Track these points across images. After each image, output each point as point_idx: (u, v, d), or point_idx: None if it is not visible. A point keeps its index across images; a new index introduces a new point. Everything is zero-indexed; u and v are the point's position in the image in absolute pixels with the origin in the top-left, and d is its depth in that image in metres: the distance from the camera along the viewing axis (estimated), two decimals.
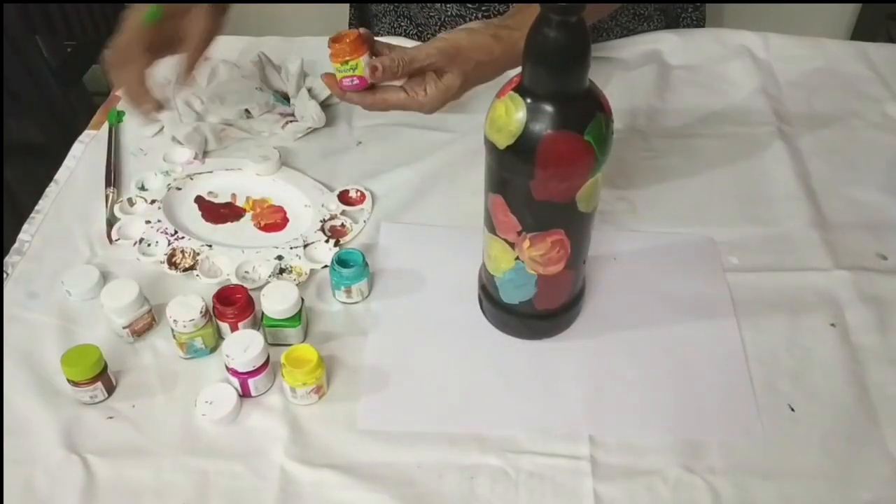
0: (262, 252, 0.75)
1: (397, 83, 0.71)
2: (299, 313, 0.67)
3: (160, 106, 0.74)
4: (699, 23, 1.08)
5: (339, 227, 0.78)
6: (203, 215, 0.80)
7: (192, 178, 0.83)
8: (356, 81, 0.70)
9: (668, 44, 1.01)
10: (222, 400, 0.63)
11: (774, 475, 0.60)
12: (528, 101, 0.54)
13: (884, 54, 1.02)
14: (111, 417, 0.63)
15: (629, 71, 0.98)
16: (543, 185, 0.56)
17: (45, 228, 0.78)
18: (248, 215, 0.80)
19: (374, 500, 0.58)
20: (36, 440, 0.61)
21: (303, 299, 0.67)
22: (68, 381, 0.62)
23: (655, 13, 1.04)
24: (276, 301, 0.66)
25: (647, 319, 0.70)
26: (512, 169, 0.57)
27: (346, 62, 0.69)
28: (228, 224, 0.79)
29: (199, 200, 0.82)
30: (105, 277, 0.72)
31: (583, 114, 0.54)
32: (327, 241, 0.76)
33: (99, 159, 0.86)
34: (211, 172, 0.84)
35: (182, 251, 0.75)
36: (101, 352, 0.63)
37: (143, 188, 0.82)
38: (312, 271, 0.74)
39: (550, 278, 0.63)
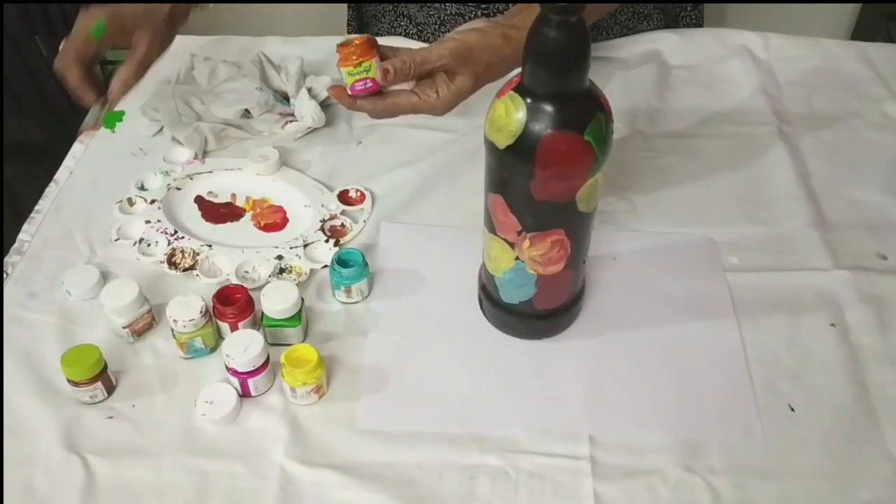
0: (262, 252, 0.75)
1: (406, 87, 0.70)
2: (299, 313, 0.67)
3: (107, 98, 0.77)
4: (698, 22, 1.09)
5: (338, 227, 0.78)
6: (203, 215, 0.80)
7: (191, 178, 0.83)
8: (369, 84, 0.68)
9: (668, 44, 1.01)
10: (222, 400, 0.63)
11: (774, 475, 0.60)
12: (528, 101, 0.54)
13: (884, 54, 1.02)
14: (111, 417, 0.63)
15: (629, 71, 0.98)
16: (543, 185, 0.56)
17: (45, 228, 0.78)
18: (248, 215, 0.80)
19: (374, 500, 0.58)
20: (36, 440, 0.61)
21: (303, 299, 0.67)
22: (68, 381, 0.62)
23: (655, 12, 1.04)
24: (276, 301, 0.66)
25: (647, 319, 0.70)
26: (512, 169, 0.57)
27: (360, 64, 0.67)
28: (228, 224, 0.79)
29: (199, 200, 0.82)
30: (105, 277, 0.72)
31: (583, 114, 0.54)
32: (327, 241, 0.76)
33: (99, 159, 0.86)
34: (211, 172, 0.84)
35: (182, 251, 0.75)
36: (101, 352, 0.63)
37: (142, 188, 0.82)
38: (312, 271, 0.74)
39: (550, 278, 0.63)
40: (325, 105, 0.90)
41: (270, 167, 0.83)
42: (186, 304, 0.65)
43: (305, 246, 0.76)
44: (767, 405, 0.64)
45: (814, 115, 0.93)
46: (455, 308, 0.71)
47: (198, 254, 0.75)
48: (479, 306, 0.71)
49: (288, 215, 0.80)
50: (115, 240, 0.76)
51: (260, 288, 0.68)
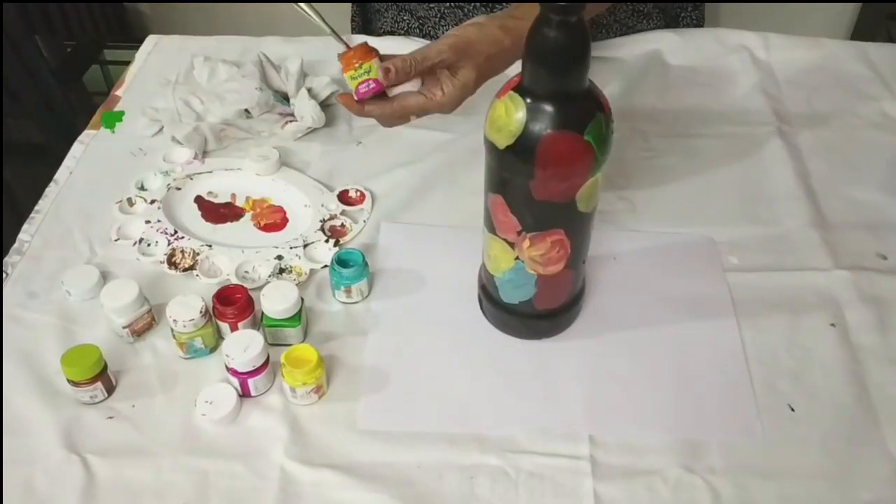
0: (261, 252, 0.75)
1: (413, 88, 0.71)
2: (299, 313, 0.67)
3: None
4: (698, 22, 1.09)
5: (338, 227, 0.78)
6: (203, 215, 0.80)
7: (191, 178, 0.83)
8: (372, 85, 0.69)
9: (668, 44, 1.01)
10: (222, 400, 0.63)
11: (774, 475, 0.60)
12: (528, 100, 0.54)
13: (884, 54, 1.02)
14: (111, 417, 0.63)
15: (629, 71, 0.98)
16: (543, 184, 0.56)
17: (44, 228, 0.78)
18: (248, 215, 0.80)
19: (374, 500, 0.58)
20: (36, 440, 0.61)
21: (303, 299, 0.67)
22: (68, 381, 0.62)
23: (654, 11, 1.05)
24: (276, 301, 0.66)
25: (647, 319, 0.70)
26: (512, 169, 0.57)
27: (360, 66, 0.68)
28: (228, 224, 0.79)
29: (199, 200, 0.82)
30: (105, 277, 0.72)
31: (583, 114, 0.54)
32: (327, 241, 0.76)
33: (99, 159, 0.86)
34: (211, 172, 0.84)
35: (182, 251, 0.75)
36: (101, 352, 0.63)
37: (142, 188, 0.82)
38: (312, 271, 0.74)
39: (550, 278, 0.63)
40: (325, 105, 0.90)
41: (270, 167, 0.83)
42: (186, 304, 0.65)
43: (305, 246, 0.76)
44: (767, 405, 0.64)
45: (813, 114, 0.93)
46: (455, 308, 0.71)
47: (198, 254, 0.75)
48: (479, 306, 0.71)
49: (288, 215, 0.80)
50: (115, 240, 0.76)
51: (260, 288, 0.68)
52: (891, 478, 0.60)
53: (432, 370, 0.67)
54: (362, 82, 0.69)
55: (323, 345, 0.68)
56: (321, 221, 0.78)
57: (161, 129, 0.88)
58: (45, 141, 1.51)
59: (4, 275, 0.73)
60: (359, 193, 0.81)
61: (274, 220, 0.80)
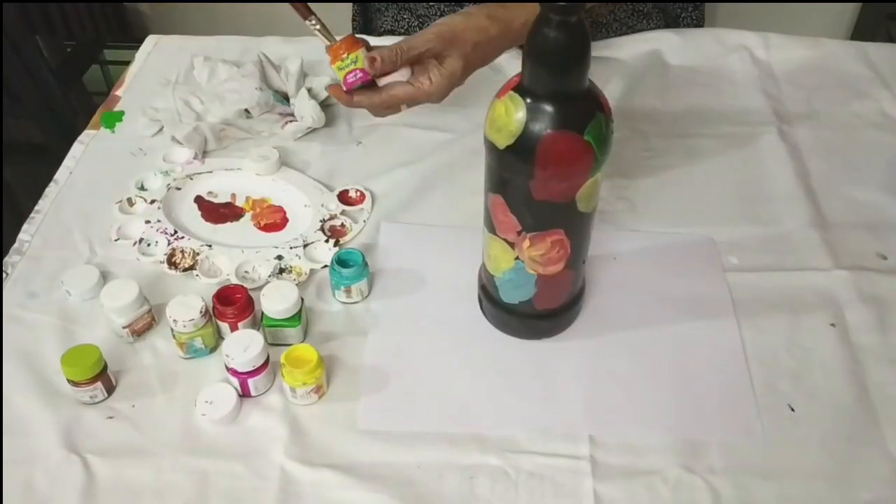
0: (261, 252, 0.75)
1: (402, 77, 0.71)
2: (299, 313, 0.67)
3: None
4: (699, 22, 1.09)
5: (338, 227, 0.78)
6: (203, 215, 0.80)
7: (191, 178, 0.83)
8: (359, 75, 0.70)
9: (668, 44, 1.01)
10: (222, 400, 0.63)
11: (774, 475, 0.60)
12: (528, 100, 0.54)
13: (884, 54, 1.02)
14: (111, 417, 0.63)
15: (629, 71, 0.98)
16: (543, 184, 0.56)
17: (44, 228, 0.78)
18: (248, 215, 0.80)
19: (374, 500, 0.58)
20: (36, 440, 0.61)
21: (303, 299, 0.67)
22: (68, 381, 0.62)
23: (654, 11, 1.05)
24: (276, 301, 0.66)
25: (647, 319, 0.70)
26: (512, 169, 0.57)
27: (346, 56, 0.70)
28: (228, 224, 0.79)
29: (199, 200, 0.82)
30: (105, 277, 0.72)
31: (583, 114, 0.54)
32: (327, 241, 0.76)
33: (99, 159, 0.86)
34: (211, 172, 0.84)
35: (182, 251, 0.75)
36: (100, 352, 0.63)
37: (142, 188, 0.82)
38: (312, 271, 0.74)
39: (550, 278, 0.63)
40: (325, 105, 0.90)
41: (270, 167, 0.83)
42: (186, 304, 0.65)
43: (305, 246, 0.76)
44: (767, 405, 0.64)
45: (814, 114, 0.93)
46: (455, 308, 0.71)
47: (198, 254, 0.75)
48: (478, 306, 0.71)
49: (288, 215, 0.80)
50: (115, 240, 0.76)
51: (260, 288, 0.68)
52: (891, 478, 0.60)
53: (432, 370, 0.67)
54: (350, 72, 0.70)
55: (323, 345, 0.68)
56: (321, 221, 0.78)
57: (161, 129, 0.88)
58: (45, 141, 1.52)
59: (4, 275, 0.73)
60: (359, 193, 0.81)
61: (274, 220, 0.80)
